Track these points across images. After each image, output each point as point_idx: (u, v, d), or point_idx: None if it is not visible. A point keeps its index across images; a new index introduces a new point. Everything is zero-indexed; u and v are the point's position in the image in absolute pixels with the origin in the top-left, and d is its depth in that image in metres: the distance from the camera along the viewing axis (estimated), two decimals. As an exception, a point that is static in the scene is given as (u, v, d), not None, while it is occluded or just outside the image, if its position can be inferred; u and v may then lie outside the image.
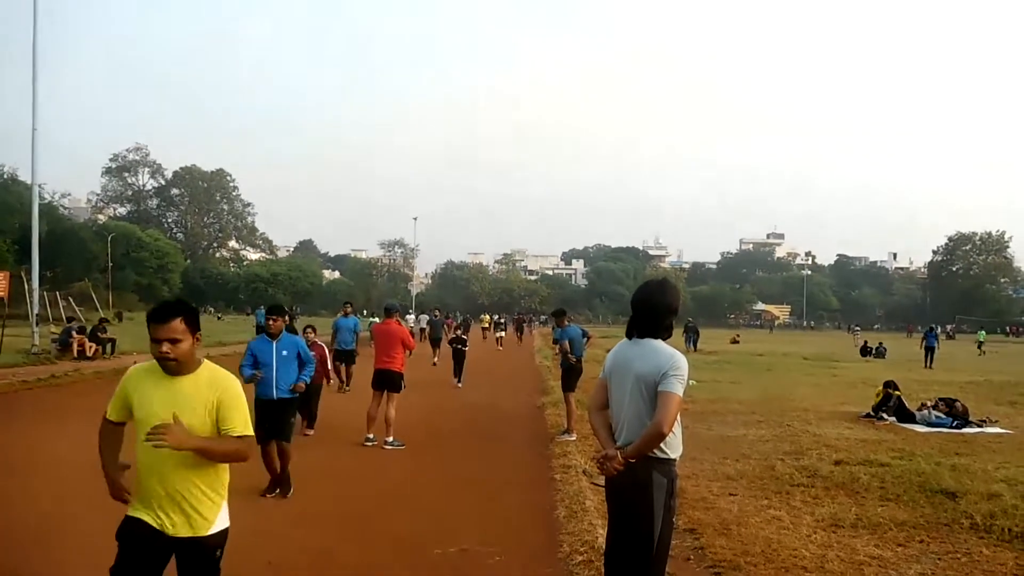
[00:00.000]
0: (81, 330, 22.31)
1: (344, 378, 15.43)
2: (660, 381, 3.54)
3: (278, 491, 7.22)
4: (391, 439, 9.83)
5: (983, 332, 47.29)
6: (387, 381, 9.98)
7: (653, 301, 3.79)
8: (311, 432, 10.57)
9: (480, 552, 5.68)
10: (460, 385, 17.47)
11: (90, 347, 21.20)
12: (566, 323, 12.16)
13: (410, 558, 5.56)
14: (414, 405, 12.41)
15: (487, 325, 46.17)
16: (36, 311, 22.24)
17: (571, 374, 11.45)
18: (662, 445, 3.54)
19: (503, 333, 37.19)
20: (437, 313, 27.89)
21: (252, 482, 7.00)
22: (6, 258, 44.17)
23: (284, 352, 7.51)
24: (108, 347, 22.44)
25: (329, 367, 10.81)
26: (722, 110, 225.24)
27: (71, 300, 38.51)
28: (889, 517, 6.68)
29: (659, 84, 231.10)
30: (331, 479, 8.18)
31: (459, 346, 18.13)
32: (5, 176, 61.54)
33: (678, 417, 3.58)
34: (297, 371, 7.61)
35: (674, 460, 3.65)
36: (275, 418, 7.27)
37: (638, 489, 3.56)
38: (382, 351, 10.10)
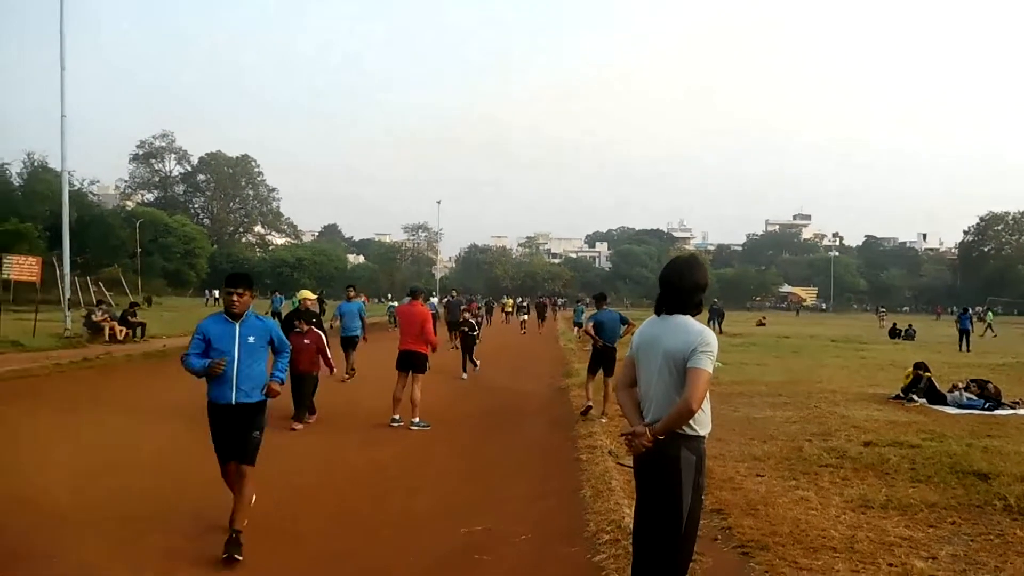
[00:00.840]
0: (107, 312, 22.57)
1: (349, 365, 14.48)
2: (689, 357, 3.50)
3: (232, 536, 5.09)
4: (417, 420, 9.89)
5: (992, 313, 46.63)
6: (412, 362, 10.01)
7: (681, 277, 3.75)
8: (301, 425, 9.83)
9: (505, 531, 5.69)
10: (466, 376, 15.85)
11: (120, 331, 21.48)
12: (604, 307, 11.98)
13: (435, 537, 5.59)
14: (438, 388, 12.45)
15: (510, 309, 45.77)
16: (68, 296, 22.58)
17: (603, 358, 11.30)
18: (691, 422, 3.52)
19: (526, 317, 36.54)
20: (455, 294, 26.11)
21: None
22: (37, 244, 44.85)
23: (250, 338, 5.40)
24: (138, 331, 22.70)
25: (328, 355, 10.13)
26: (746, 88, 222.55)
27: (101, 285, 39.01)
28: (920, 498, 6.59)
29: (676, 65, 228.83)
30: (356, 460, 8.23)
31: (467, 330, 16.63)
32: (36, 164, 62.36)
33: (707, 394, 3.54)
34: (265, 367, 5.54)
35: (703, 437, 3.62)
36: (235, 431, 5.31)
37: (666, 466, 3.54)
38: (406, 332, 10.13)
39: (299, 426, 9.77)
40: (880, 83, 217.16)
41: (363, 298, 41.82)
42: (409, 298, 10.56)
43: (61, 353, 17.69)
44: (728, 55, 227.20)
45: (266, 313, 15.51)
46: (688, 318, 3.67)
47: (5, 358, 16.13)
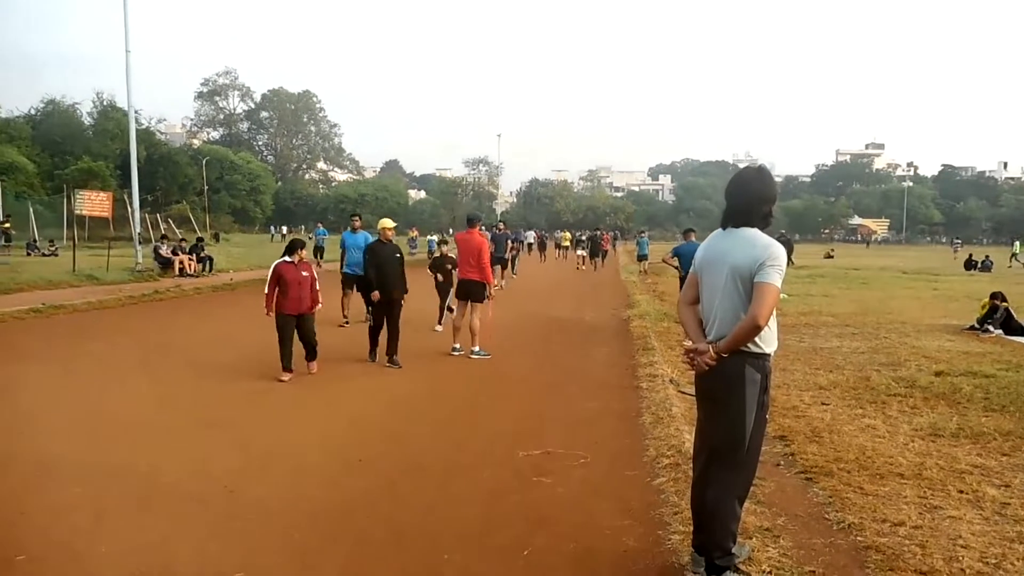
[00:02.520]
0: (173, 246, 23.18)
1: (345, 309, 12.90)
2: (756, 272, 3.36)
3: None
4: (477, 348, 9.93)
5: (1019, 243, 45.10)
6: (470, 291, 10.01)
7: (749, 188, 3.58)
8: (288, 376, 8.33)
9: (565, 455, 5.70)
10: (440, 329, 12.21)
11: (190, 264, 22.07)
12: (691, 238, 13.41)
13: (495, 459, 5.62)
14: (499, 316, 12.49)
15: (567, 244, 43.37)
16: (138, 231, 23.24)
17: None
18: (756, 339, 3.40)
19: (584, 252, 34.16)
20: (501, 226, 22.71)
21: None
22: (109, 182, 46.18)
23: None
24: (207, 264, 23.31)
25: (317, 288, 8.72)
26: (813, 13, 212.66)
27: (171, 222, 40.00)
28: (994, 427, 6.38)
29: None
30: (415, 390, 8.33)
31: (440, 278, 12.20)
32: (105, 103, 63.64)
33: (774, 311, 3.41)
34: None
35: (768, 355, 3.50)
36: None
37: (730, 384, 3.44)
38: (464, 261, 10.11)
39: (287, 376, 8.27)
40: (957, 8, 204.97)
41: (414, 233, 39.62)
42: (468, 226, 10.49)
43: (134, 287, 18.28)
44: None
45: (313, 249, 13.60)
46: (756, 231, 3.51)
47: (81, 291, 16.75)
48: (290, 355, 8.39)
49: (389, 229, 9.76)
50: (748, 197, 3.56)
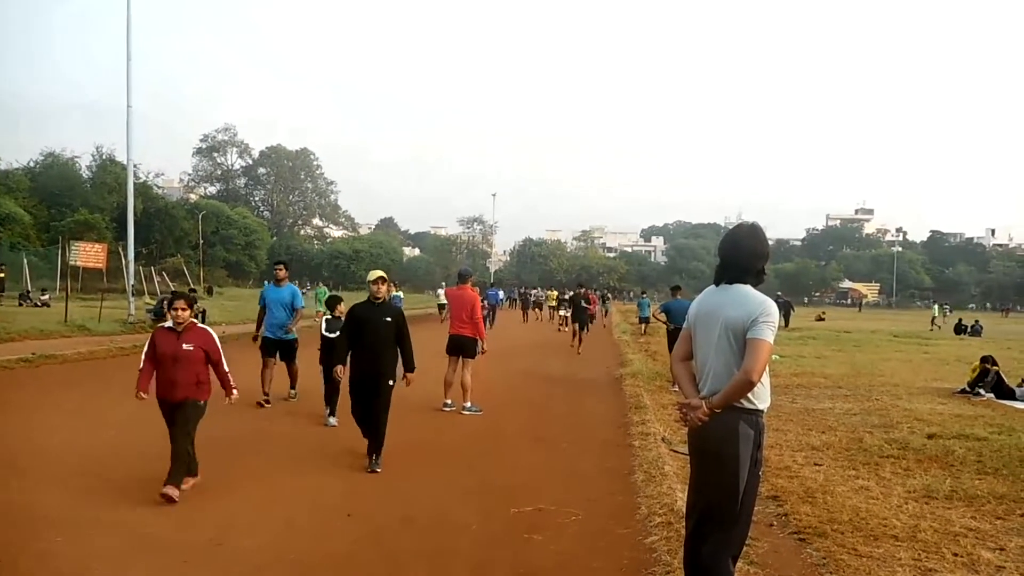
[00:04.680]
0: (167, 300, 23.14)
1: (266, 384, 9.90)
2: (749, 328, 3.39)
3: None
4: (469, 404, 9.90)
5: (938, 306, 47.19)
6: (460, 347, 10.01)
7: (742, 244, 3.63)
8: (176, 492, 5.68)
9: (557, 512, 5.65)
10: (333, 422, 8.86)
11: (182, 317, 22.01)
12: (677, 296, 14.61)
13: (487, 515, 5.57)
14: (490, 374, 12.46)
15: (554, 303, 35.76)
16: (132, 283, 23.25)
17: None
18: (749, 395, 3.41)
19: (565, 313, 28.04)
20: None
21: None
22: (105, 234, 46.23)
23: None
24: (199, 318, 23.26)
25: (226, 369, 6.12)
26: (804, 80, 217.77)
27: (165, 275, 40.05)
28: (987, 490, 6.36)
29: (740, 52, 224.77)
30: (405, 443, 8.26)
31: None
32: (104, 156, 64.19)
33: (767, 367, 3.43)
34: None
35: (762, 411, 3.51)
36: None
37: (724, 439, 3.43)
38: (455, 316, 10.15)
39: (174, 492, 5.64)
40: (948, 77, 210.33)
41: (394, 289, 36.78)
42: (459, 281, 10.55)
43: (125, 338, 18.20)
44: (791, 47, 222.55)
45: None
46: (749, 288, 3.55)
47: (72, 341, 16.68)
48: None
49: (380, 282, 7.20)
50: (742, 253, 3.60)
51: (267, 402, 9.85)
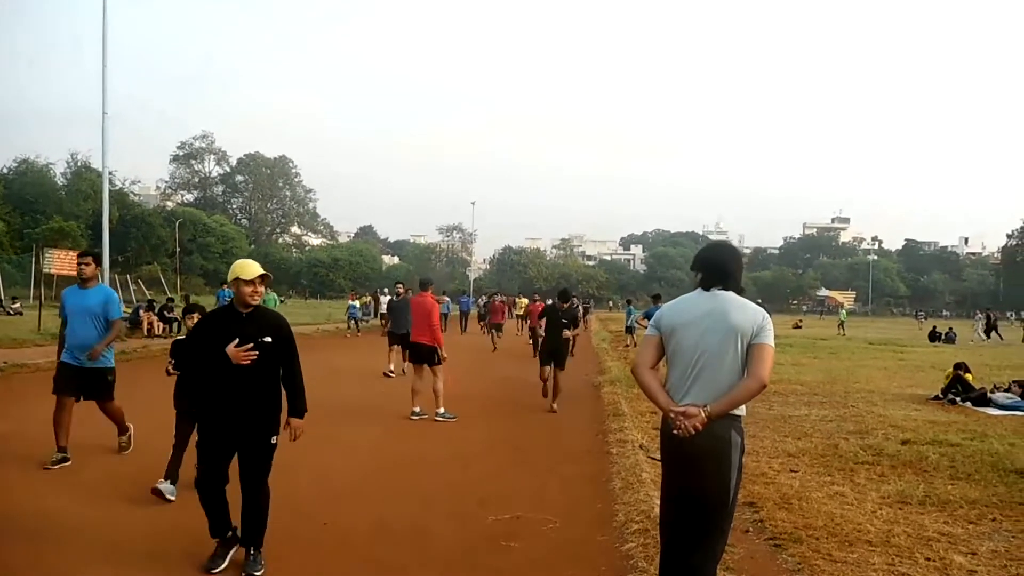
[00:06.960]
0: (150, 307, 22.96)
1: (62, 434, 6.97)
2: (757, 334, 3.40)
3: None
4: (442, 410, 9.89)
5: (844, 312, 48.70)
6: (423, 354, 10.09)
7: (725, 253, 3.71)
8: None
9: (534, 519, 5.64)
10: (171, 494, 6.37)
11: (158, 325, 21.84)
12: (659, 304, 15.30)
13: (464, 525, 5.56)
14: (464, 380, 12.44)
15: (522, 312, 32.15)
16: (107, 291, 22.99)
17: None
18: None
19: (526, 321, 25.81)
20: (401, 290, 16.35)
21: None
22: (80, 242, 45.85)
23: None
24: (175, 326, 23.07)
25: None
26: (782, 90, 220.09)
27: (141, 283, 39.69)
28: (960, 495, 6.43)
29: (717, 65, 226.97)
30: (380, 450, 8.24)
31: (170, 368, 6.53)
32: (79, 163, 63.68)
33: None
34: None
35: (742, 418, 3.52)
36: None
37: (719, 448, 3.39)
38: (416, 324, 10.20)
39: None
40: (921, 87, 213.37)
41: (352, 298, 33.03)
42: (421, 289, 10.68)
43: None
44: (770, 56, 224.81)
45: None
46: (738, 296, 3.56)
47: (45, 350, 16.45)
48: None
49: (255, 283, 4.51)
50: (727, 259, 3.64)
51: (64, 459, 6.86)
